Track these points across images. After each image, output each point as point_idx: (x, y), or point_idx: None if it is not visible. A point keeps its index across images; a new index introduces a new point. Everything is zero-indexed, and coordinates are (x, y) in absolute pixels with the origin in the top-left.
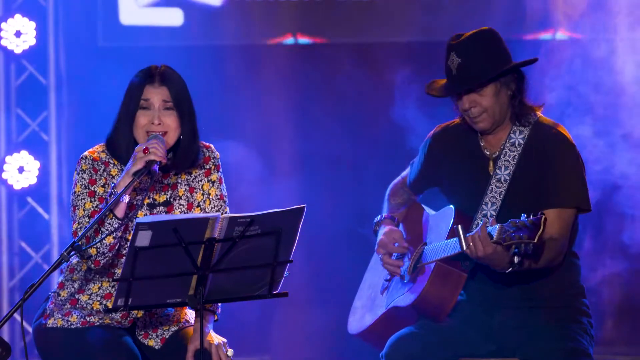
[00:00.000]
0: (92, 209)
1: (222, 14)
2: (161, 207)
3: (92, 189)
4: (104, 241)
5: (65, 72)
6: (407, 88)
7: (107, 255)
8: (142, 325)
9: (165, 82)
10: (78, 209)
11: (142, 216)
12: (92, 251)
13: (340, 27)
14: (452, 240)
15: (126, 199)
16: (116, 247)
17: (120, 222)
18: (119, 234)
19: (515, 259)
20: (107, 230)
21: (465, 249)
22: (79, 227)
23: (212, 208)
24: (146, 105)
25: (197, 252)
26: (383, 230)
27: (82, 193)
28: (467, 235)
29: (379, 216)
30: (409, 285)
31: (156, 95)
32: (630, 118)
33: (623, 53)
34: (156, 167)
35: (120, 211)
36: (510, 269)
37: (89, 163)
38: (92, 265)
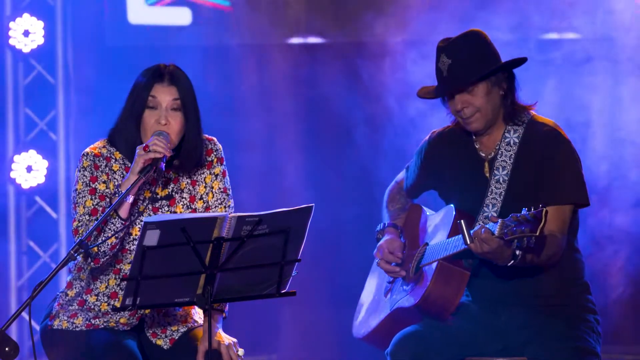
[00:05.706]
0: (93, 207)
1: (230, 13)
2: (163, 201)
3: (93, 187)
4: (107, 241)
5: (74, 72)
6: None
7: (107, 254)
8: (150, 323)
9: (174, 82)
10: (79, 206)
11: (143, 209)
12: (94, 250)
13: (350, 27)
14: (454, 238)
15: (130, 199)
16: (117, 247)
17: (123, 222)
18: (122, 234)
19: (517, 252)
20: (110, 230)
21: (469, 243)
22: (79, 224)
23: (215, 201)
24: (153, 104)
25: (205, 251)
26: (385, 238)
27: (83, 190)
28: (471, 231)
29: (381, 224)
30: (412, 285)
31: (165, 94)
32: None
33: None
34: (162, 165)
35: (124, 211)
36: (512, 262)
37: (90, 159)
38: (92, 264)
